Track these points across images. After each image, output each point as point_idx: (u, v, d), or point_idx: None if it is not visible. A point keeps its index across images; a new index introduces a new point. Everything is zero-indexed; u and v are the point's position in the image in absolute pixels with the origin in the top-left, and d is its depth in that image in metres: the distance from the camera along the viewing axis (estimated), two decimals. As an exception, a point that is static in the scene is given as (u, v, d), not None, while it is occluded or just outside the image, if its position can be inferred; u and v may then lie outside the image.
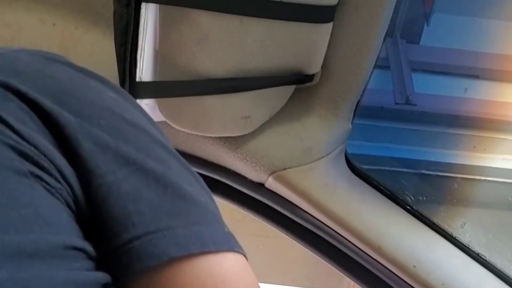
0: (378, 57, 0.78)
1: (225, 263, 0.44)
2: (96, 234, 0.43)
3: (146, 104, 0.72)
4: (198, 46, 0.69)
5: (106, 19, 0.78)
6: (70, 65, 0.47)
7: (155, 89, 0.72)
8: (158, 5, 0.66)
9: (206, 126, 0.76)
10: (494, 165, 2.14)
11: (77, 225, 0.42)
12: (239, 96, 0.74)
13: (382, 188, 0.89)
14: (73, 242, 0.40)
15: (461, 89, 2.25)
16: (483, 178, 2.09)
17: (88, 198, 0.42)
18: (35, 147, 0.40)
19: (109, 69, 0.70)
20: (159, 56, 0.70)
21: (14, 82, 0.42)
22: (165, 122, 0.75)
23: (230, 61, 0.71)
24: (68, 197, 0.41)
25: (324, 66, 0.78)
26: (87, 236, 0.42)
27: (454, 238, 0.90)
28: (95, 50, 0.80)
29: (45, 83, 0.43)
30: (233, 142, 0.81)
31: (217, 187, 0.90)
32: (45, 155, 0.40)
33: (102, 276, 0.41)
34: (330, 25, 0.73)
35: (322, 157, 0.83)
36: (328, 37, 0.74)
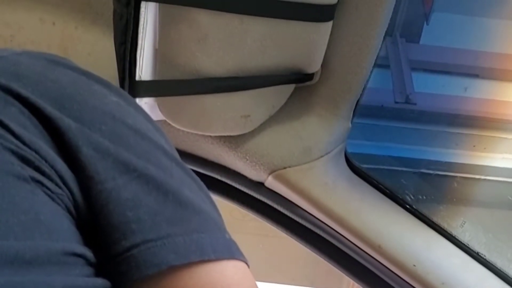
0: (378, 56, 0.77)
1: (225, 272, 0.44)
2: (96, 241, 0.42)
3: (146, 103, 0.72)
4: (198, 45, 0.69)
5: (105, 18, 0.78)
6: (73, 68, 0.47)
7: (154, 88, 0.71)
8: (157, 4, 0.66)
9: (206, 125, 0.76)
10: (494, 164, 2.14)
11: (77, 231, 0.42)
12: (239, 95, 0.74)
13: (382, 187, 0.89)
14: (73, 248, 0.40)
15: (461, 88, 2.25)
16: (483, 177, 2.09)
17: (88, 204, 0.42)
18: (36, 152, 0.40)
19: (109, 68, 0.70)
20: (159, 55, 0.70)
21: (15, 86, 0.42)
22: (164, 121, 0.75)
23: (230, 60, 0.71)
24: (69, 203, 0.41)
25: (324, 65, 0.78)
26: (87, 242, 0.42)
27: (454, 237, 0.90)
28: (95, 49, 0.79)
29: (47, 87, 0.43)
30: (233, 141, 0.81)
31: (217, 186, 0.90)
32: (46, 160, 0.40)
33: (102, 283, 0.41)
34: (330, 24, 0.73)
35: (322, 156, 0.83)
36: (328, 36, 0.74)
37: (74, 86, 0.45)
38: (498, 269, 0.91)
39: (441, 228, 0.90)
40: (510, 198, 2.10)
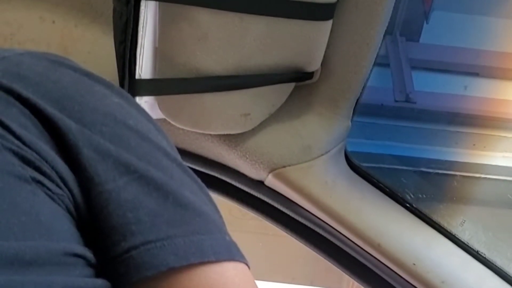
0: (377, 54, 0.77)
1: (225, 273, 0.44)
2: (96, 242, 0.42)
3: (146, 101, 0.72)
4: (198, 43, 0.69)
5: (105, 17, 0.78)
6: (75, 68, 0.47)
7: (154, 87, 0.71)
8: (157, 2, 0.66)
9: (206, 124, 0.76)
10: (494, 163, 2.14)
11: (77, 232, 0.42)
12: (239, 94, 0.74)
13: (382, 186, 0.89)
14: (73, 249, 0.40)
15: (461, 87, 2.25)
16: (483, 176, 2.09)
17: (88, 205, 0.42)
18: (37, 152, 0.40)
19: (109, 67, 0.70)
20: (159, 54, 0.70)
21: (17, 87, 0.42)
22: (164, 119, 0.75)
23: (229, 59, 0.71)
24: (70, 204, 0.41)
25: (323, 64, 0.78)
26: (88, 243, 0.42)
27: (454, 236, 0.90)
28: (95, 48, 0.79)
29: (48, 88, 0.43)
30: (233, 139, 0.81)
31: (216, 184, 0.90)
32: (46, 161, 0.40)
33: (102, 283, 0.41)
34: (329, 23, 0.73)
35: (322, 155, 0.83)
36: (327, 35, 0.74)
37: (75, 87, 0.45)
38: (498, 267, 0.91)
39: (441, 226, 0.90)
40: (510, 196, 2.10)
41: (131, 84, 0.69)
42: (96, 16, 0.78)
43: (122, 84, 0.69)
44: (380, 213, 0.87)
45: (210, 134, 0.82)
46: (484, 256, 0.91)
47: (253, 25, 0.69)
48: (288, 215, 0.91)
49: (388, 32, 0.75)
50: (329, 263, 0.97)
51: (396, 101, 2.22)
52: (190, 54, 0.69)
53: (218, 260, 0.43)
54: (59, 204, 0.40)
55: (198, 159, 0.87)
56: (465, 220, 1.13)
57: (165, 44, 0.69)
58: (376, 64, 0.79)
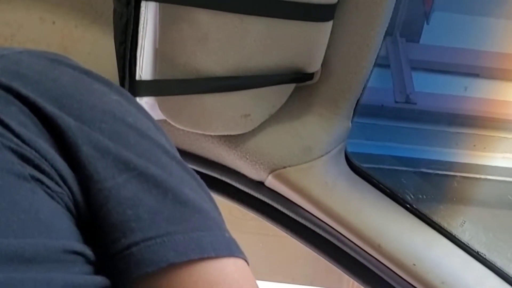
0: (378, 55, 0.78)
1: (225, 269, 0.44)
2: (96, 239, 0.42)
3: (146, 102, 0.72)
4: (198, 44, 0.69)
5: (106, 18, 0.78)
6: (74, 67, 0.47)
7: (154, 88, 0.71)
8: (158, 3, 0.66)
9: (206, 125, 0.76)
10: (494, 164, 2.14)
11: (77, 229, 0.42)
12: (239, 95, 0.74)
13: (382, 186, 0.89)
14: (72, 246, 0.40)
15: (461, 88, 2.24)
16: (483, 176, 2.09)
17: (88, 203, 0.42)
18: (36, 150, 0.40)
19: (109, 68, 0.70)
20: (159, 55, 0.70)
21: (16, 85, 0.42)
22: (165, 120, 0.75)
23: (230, 60, 0.71)
24: (69, 201, 0.41)
25: (324, 64, 0.78)
26: (87, 241, 0.42)
27: (454, 236, 0.90)
28: (95, 49, 0.80)
29: (47, 86, 0.43)
30: (233, 140, 0.81)
31: (216, 185, 0.90)
32: (46, 159, 0.40)
33: (101, 280, 0.41)
34: (330, 24, 0.73)
35: (322, 156, 0.83)
36: (328, 36, 0.74)
37: (74, 85, 0.45)
38: (498, 268, 0.91)
39: (441, 227, 0.90)
40: (510, 197, 2.10)
41: (131, 84, 0.69)
42: (96, 16, 0.78)
43: (122, 85, 0.69)
44: (381, 213, 0.87)
45: (210, 135, 0.82)
46: (484, 256, 0.91)
47: (253, 26, 0.69)
48: (288, 216, 0.91)
49: (389, 33, 0.75)
50: (329, 264, 0.97)
51: (396, 102, 2.22)
52: (190, 55, 0.69)
53: (217, 256, 0.43)
54: (58, 202, 0.40)
55: (198, 159, 0.87)
56: (465, 221, 1.13)
57: (166, 45, 0.69)
58: (376, 65, 0.79)
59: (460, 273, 0.89)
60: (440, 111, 2.23)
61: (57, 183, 0.40)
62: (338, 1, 0.71)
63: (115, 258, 0.42)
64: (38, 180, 0.39)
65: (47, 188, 0.40)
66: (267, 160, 0.82)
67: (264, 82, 0.75)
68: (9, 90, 0.41)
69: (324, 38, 0.74)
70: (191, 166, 0.82)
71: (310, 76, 0.77)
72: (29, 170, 0.39)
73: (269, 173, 0.83)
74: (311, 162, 0.83)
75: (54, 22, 0.78)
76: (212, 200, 0.48)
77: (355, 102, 0.82)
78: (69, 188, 0.41)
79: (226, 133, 0.79)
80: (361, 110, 0.85)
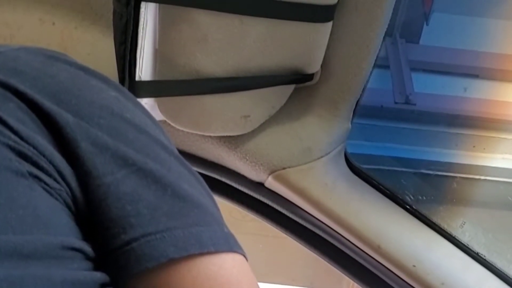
0: (377, 56, 0.77)
1: (224, 264, 0.44)
2: (95, 235, 0.42)
3: (146, 103, 0.72)
4: (198, 45, 0.69)
5: (105, 19, 0.78)
6: (71, 63, 0.47)
7: (154, 89, 0.71)
8: (157, 4, 0.66)
9: (206, 125, 0.76)
10: (493, 165, 2.14)
11: (76, 226, 0.42)
12: (238, 96, 0.74)
13: (382, 187, 0.89)
14: (71, 242, 0.40)
15: (460, 89, 2.25)
16: (482, 177, 2.09)
17: (87, 199, 0.42)
18: (34, 147, 0.40)
19: (109, 69, 0.70)
20: (159, 56, 0.70)
21: (14, 82, 0.42)
22: (164, 121, 0.75)
23: (229, 60, 0.71)
24: (67, 198, 0.41)
25: (323, 65, 0.78)
26: (86, 237, 0.42)
27: (454, 237, 0.90)
28: (95, 50, 0.79)
29: (45, 82, 0.43)
30: (233, 141, 0.81)
31: (216, 186, 0.90)
32: (44, 156, 0.40)
33: (100, 276, 0.41)
34: (329, 25, 0.73)
35: (322, 157, 0.83)
36: (327, 37, 0.74)
37: (72, 81, 0.45)
38: (498, 269, 0.91)
39: (441, 228, 0.90)
40: (510, 198, 2.10)
41: (131, 85, 0.69)
42: (96, 17, 0.78)
43: (122, 86, 0.69)
44: (380, 215, 0.87)
45: (210, 136, 0.82)
46: (484, 257, 0.91)
47: (253, 27, 0.69)
48: (288, 217, 0.91)
49: (388, 33, 0.75)
50: (329, 265, 0.97)
51: (396, 102, 2.23)
52: (190, 56, 0.69)
53: (217, 251, 0.44)
54: (56, 199, 0.40)
55: (198, 160, 0.87)
56: (465, 222, 1.13)
57: (165, 45, 0.69)
58: (376, 65, 0.79)
59: (460, 274, 0.89)
60: (439, 112, 2.23)
61: (55, 180, 0.41)
62: (337, 2, 0.71)
63: (115, 253, 0.42)
64: (36, 177, 0.39)
65: (45, 185, 0.40)
66: (267, 161, 0.82)
67: (264, 83, 0.75)
68: (6, 86, 0.41)
69: (324, 39, 0.74)
70: (190, 167, 0.82)
71: (309, 77, 0.77)
72: (27, 167, 0.39)
73: (269, 174, 0.83)
74: (310, 163, 0.82)
75: (53, 23, 0.78)
76: (210, 196, 0.48)
77: (355, 103, 0.82)
78: (68, 185, 0.41)
79: (225, 134, 0.79)
80: (361, 111, 0.85)
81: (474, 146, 2.18)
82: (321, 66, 0.78)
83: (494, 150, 2.17)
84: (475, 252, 0.91)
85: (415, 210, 0.90)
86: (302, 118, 0.82)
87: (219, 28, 0.68)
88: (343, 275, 0.98)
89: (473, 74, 2.27)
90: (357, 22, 0.74)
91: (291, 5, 0.68)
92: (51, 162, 0.40)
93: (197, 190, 0.47)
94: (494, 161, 2.15)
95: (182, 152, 0.82)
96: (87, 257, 0.41)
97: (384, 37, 0.76)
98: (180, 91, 0.72)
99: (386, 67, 2.29)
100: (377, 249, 0.86)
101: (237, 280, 0.45)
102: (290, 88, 0.78)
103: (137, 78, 0.69)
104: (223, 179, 0.89)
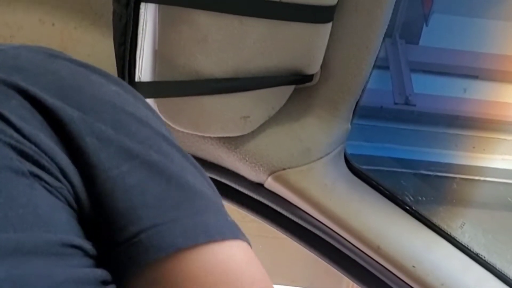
0: (377, 57, 0.77)
1: (231, 251, 0.45)
2: (101, 230, 0.43)
3: (145, 104, 0.72)
4: (198, 46, 0.69)
5: (105, 19, 0.78)
6: (71, 60, 0.47)
7: (154, 89, 0.71)
8: (157, 5, 0.66)
9: (206, 126, 0.76)
10: (493, 166, 2.14)
11: (77, 224, 0.42)
12: (238, 96, 0.74)
13: (382, 188, 0.89)
14: (71, 240, 0.40)
15: (460, 89, 2.25)
16: (482, 178, 2.09)
17: (92, 194, 0.42)
18: (36, 145, 0.40)
19: (108, 69, 0.69)
20: (158, 56, 0.70)
21: (16, 79, 0.42)
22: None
23: (229, 61, 0.71)
24: (69, 196, 0.41)
25: (323, 66, 0.78)
26: (89, 234, 0.42)
27: (454, 238, 0.90)
28: (94, 50, 0.80)
29: (47, 79, 0.43)
30: (233, 142, 0.81)
31: (216, 187, 0.90)
32: (45, 153, 0.40)
33: (101, 274, 0.42)
34: (329, 25, 0.73)
35: (321, 158, 0.83)
36: (327, 37, 0.74)
37: (73, 77, 0.45)
38: (498, 270, 0.91)
39: (440, 229, 0.90)
40: (509, 199, 2.10)
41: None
42: (95, 18, 0.78)
43: (121, 87, 0.69)
44: (380, 215, 0.87)
45: (210, 137, 0.82)
46: (483, 258, 0.91)
47: (253, 27, 0.69)
48: (288, 218, 0.91)
49: (388, 34, 0.75)
50: (329, 266, 0.97)
51: (395, 103, 2.23)
52: (190, 57, 0.69)
53: (223, 239, 0.44)
54: (57, 197, 0.41)
55: (197, 161, 0.87)
56: (464, 223, 1.13)
57: (165, 46, 0.69)
58: (375, 66, 0.79)
59: (460, 275, 0.88)
60: (439, 112, 2.23)
61: (56, 178, 0.41)
62: (337, 3, 0.71)
63: (123, 246, 0.42)
64: (36, 176, 0.40)
65: (46, 184, 0.40)
66: (267, 162, 0.82)
67: (264, 84, 0.74)
68: (9, 84, 0.41)
69: (324, 40, 0.74)
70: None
71: (309, 77, 0.77)
72: (28, 166, 0.39)
73: (269, 175, 0.83)
74: (310, 164, 0.82)
75: (53, 24, 0.78)
76: (212, 186, 0.49)
77: (355, 103, 0.82)
78: (70, 182, 0.41)
79: (225, 135, 0.79)
80: (361, 111, 0.85)
81: (473, 147, 2.18)
82: (321, 67, 0.78)
83: (494, 151, 2.17)
84: (474, 253, 0.91)
85: (415, 211, 0.90)
86: (302, 119, 0.82)
87: (219, 29, 0.68)
88: (342, 276, 0.98)
89: (473, 75, 2.27)
90: (357, 23, 0.74)
91: (290, 6, 0.68)
92: (53, 160, 0.41)
93: (200, 180, 0.47)
94: (493, 162, 2.15)
95: (181, 153, 0.82)
96: (87, 254, 0.41)
97: (383, 38, 0.76)
98: (180, 92, 0.72)
99: (386, 68, 2.29)
100: (377, 249, 0.86)
101: (245, 265, 0.46)
102: (289, 89, 0.78)
103: (136, 79, 0.69)
104: (223, 180, 0.89)
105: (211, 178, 0.89)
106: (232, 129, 0.77)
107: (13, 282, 0.35)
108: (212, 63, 0.70)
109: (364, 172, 0.89)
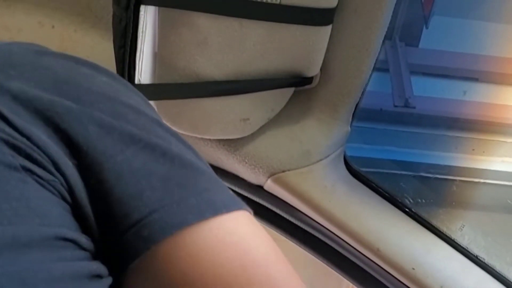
0: (377, 59, 0.78)
1: (238, 220, 0.47)
2: (99, 222, 0.43)
3: (145, 106, 0.72)
4: (198, 48, 0.69)
5: (105, 22, 0.78)
6: (59, 55, 0.48)
7: (154, 92, 0.72)
8: (157, 7, 0.66)
9: (205, 129, 0.76)
10: (493, 168, 2.14)
11: (71, 217, 0.42)
12: (238, 99, 0.74)
13: (381, 190, 0.89)
14: (64, 233, 0.40)
15: (460, 92, 2.25)
16: (482, 180, 2.09)
17: (93, 184, 0.43)
18: (28, 138, 0.40)
19: (108, 72, 0.70)
20: (158, 59, 0.70)
21: (10, 75, 0.42)
22: (164, 124, 0.75)
23: (229, 64, 0.71)
24: (62, 189, 0.42)
25: (323, 68, 0.78)
26: (85, 227, 0.43)
27: (453, 240, 0.90)
28: (94, 53, 0.80)
29: (42, 74, 0.44)
30: (232, 144, 0.81)
31: (216, 189, 0.90)
32: (38, 147, 0.40)
33: (97, 267, 0.42)
34: (329, 28, 0.73)
35: (321, 160, 0.83)
36: (327, 40, 0.74)
37: (66, 71, 0.46)
38: (497, 272, 0.91)
39: (440, 231, 0.90)
40: (509, 201, 2.10)
41: (130, 88, 0.69)
42: (95, 21, 0.78)
43: (121, 89, 0.69)
44: (380, 217, 0.87)
45: (209, 139, 0.82)
46: (483, 260, 0.91)
47: (253, 30, 0.69)
48: (287, 220, 0.91)
49: (388, 37, 0.75)
50: (328, 268, 0.97)
51: (395, 106, 2.23)
52: (190, 59, 0.69)
53: (228, 211, 0.46)
54: (50, 191, 0.41)
55: (197, 163, 0.87)
56: (464, 225, 1.13)
57: (165, 49, 0.69)
58: (375, 69, 0.79)
59: (459, 277, 0.88)
60: (439, 115, 2.23)
61: (49, 171, 0.41)
62: (337, 5, 0.71)
63: (131, 230, 0.42)
64: (29, 170, 0.40)
65: (38, 177, 0.40)
66: (266, 164, 0.82)
67: (263, 86, 0.75)
68: (2, 80, 0.42)
69: (323, 42, 0.74)
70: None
71: (309, 80, 0.77)
72: (20, 160, 0.40)
73: (268, 177, 0.83)
74: (310, 166, 0.83)
75: (53, 26, 0.78)
76: (208, 166, 0.51)
77: (354, 106, 0.82)
78: (63, 175, 0.42)
79: (225, 137, 0.79)
80: (360, 114, 0.85)
81: (473, 149, 2.18)
82: (321, 69, 0.78)
83: (494, 153, 2.17)
84: (474, 255, 0.91)
85: (415, 213, 0.90)
86: (302, 121, 0.82)
87: (219, 31, 0.68)
88: (342, 278, 0.98)
89: (473, 77, 2.27)
90: (357, 25, 0.74)
91: (290, 8, 0.68)
92: (45, 153, 0.41)
93: (199, 159, 0.49)
94: (493, 164, 2.15)
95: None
96: (81, 247, 0.42)
97: (383, 40, 0.76)
98: (180, 94, 0.72)
99: (386, 70, 2.29)
100: (376, 252, 0.86)
101: (253, 231, 0.48)
102: (289, 91, 0.78)
103: (136, 82, 0.70)
104: (222, 182, 0.89)
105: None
106: (232, 131, 0.77)
107: (11, 277, 0.36)
108: (212, 65, 0.70)
109: (363, 174, 0.89)
